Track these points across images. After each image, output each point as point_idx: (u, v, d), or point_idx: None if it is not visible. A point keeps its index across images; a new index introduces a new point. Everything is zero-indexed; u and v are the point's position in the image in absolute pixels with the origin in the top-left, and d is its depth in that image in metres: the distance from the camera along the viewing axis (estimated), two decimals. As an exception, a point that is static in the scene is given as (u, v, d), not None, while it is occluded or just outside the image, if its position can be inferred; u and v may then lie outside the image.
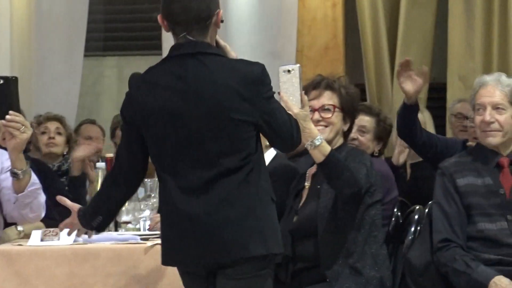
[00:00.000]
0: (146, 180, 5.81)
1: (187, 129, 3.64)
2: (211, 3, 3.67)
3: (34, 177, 4.97)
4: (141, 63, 8.52)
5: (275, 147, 4.07)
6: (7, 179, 5.07)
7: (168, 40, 8.47)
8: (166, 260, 3.82)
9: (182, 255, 3.80)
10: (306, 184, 4.88)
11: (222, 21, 3.74)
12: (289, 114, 3.77)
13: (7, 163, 5.13)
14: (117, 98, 8.73)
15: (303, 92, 4.27)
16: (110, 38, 9.23)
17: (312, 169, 4.87)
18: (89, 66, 8.86)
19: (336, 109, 4.74)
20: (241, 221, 3.64)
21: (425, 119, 6.94)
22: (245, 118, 3.61)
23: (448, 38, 8.21)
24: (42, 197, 5.06)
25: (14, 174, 4.85)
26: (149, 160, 3.79)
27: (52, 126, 6.99)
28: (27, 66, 8.64)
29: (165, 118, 3.67)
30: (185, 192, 3.69)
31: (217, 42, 3.90)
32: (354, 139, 5.78)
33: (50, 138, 6.95)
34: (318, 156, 4.53)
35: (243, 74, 3.62)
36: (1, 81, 4.82)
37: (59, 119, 7.15)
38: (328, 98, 4.78)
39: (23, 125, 4.74)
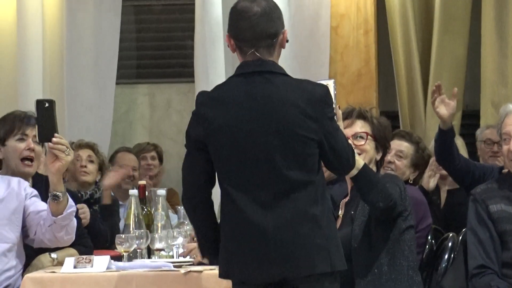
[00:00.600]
0: (179, 207, 5.91)
1: (256, 145, 3.73)
2: (278, 21, 3.78)
3: (70, 200, 5.01)
4: (173, 91, 9.03)
5: (330, 169, 4.06)
6: (33, 204, 5.22)
7: (200, 67, 8.36)
8: (227, 272, 3.85)
9: (247, 268, 3.84)
10: (340, 213, 4.92)
11: (287, 41, 3.86)
12: (346, 138, 3.90)
13: (29, 190, 5.30)
14: (150, 125, 8.91)
15: (338, 106, 4.37)
16: (142, 66, 9.31)
17: (345, 199, 4.93)
18: (122, 94, 8.91)
19: (369, 137, 4.80)
20: (310, 238, 3.71)
21: (458, 146, 6.78)
22: (310, 135, 3.71)
23: (481, 65, 8.22)
24: (75, 221, 5.13)
25: (55, 197, 4.88)
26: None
27: (84, 154, 7.00)
28: (60, 94, 8.61)
29: (234, 134, 3.76)
30: (254, 206, 3.76)
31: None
32: (390, 162, 5.96)
33: (81, 166, 6.96)
34: (352, 170, 4.61)
35: (309, 93, 3.73)
36: (46, 104, 4.90)
37: (91, 146, 7.17)
38: (360, 127, 4.86)
39: (67, 147, 4.82)
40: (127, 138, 8.74)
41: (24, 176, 5.48)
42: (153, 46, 9.31)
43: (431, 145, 6.86)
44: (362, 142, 4.85)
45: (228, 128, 3.78)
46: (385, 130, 5.14)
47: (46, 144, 5.05)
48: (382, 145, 5.00)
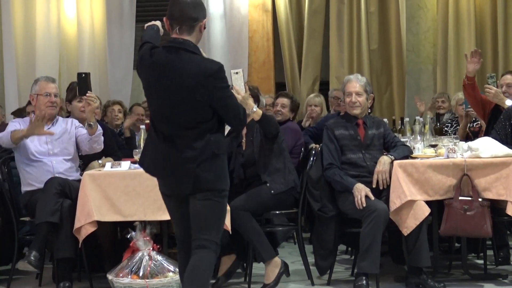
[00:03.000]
0: None
1: (162, 99, 4.17)
2: (200, 12, 4.16)
3: (99, 127, 6.36)
4: None
5: (227, 124, 4.32)
6: (79, 130, 6.52)
7: None
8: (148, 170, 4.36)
9: (159, 181, 4.43)
10: (243, 139, 6.30)
11: (204, 28, 4.16)
12: (239, 104, 4.25)
13: (77, 123, 6.57)
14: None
15: (246, 85, 5.35)
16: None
17: (244, 131, 6.23)
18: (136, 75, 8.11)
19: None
20: (185, 163, 4.18)
21: (320, 101, 8.96)
22: (200, 98, 4.10)
23: (330, 56, 10.54)
24: (102, 138, 6.45)
25: (89, 125, 6.29)
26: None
27: (116, 107, 8.61)
28: (102, 66, 10.62)
29: (149, 87, 4.26)
30: (160, 137, 4.24)
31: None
32: (278, 111, 7.55)
33: (115, 115, 8.54)
34: (256, 117, 5.84)
35: (204, 68, 4.08)
36: (83, 75, 6.21)
37: (119, 102, 8.79)
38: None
39: (95, 98, 6.21)
40: (142, 96, 9.54)
41: (82, 120, 6.71)
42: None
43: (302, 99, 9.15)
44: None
45: (146, 81, 4.27)
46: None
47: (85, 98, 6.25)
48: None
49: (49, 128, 6.42)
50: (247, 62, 10.50)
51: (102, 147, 6.43)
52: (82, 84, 6.09)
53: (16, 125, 6.37)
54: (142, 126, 6.42)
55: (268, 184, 6.04)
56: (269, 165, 6.12)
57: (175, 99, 4.10)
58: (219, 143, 4.18)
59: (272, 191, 6.06)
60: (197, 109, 4.10)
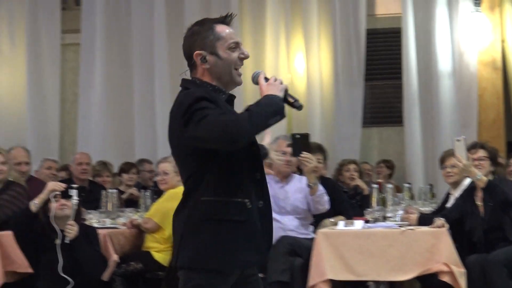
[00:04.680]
0: (406, 185, 7.31)
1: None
2: (192, 43, 3.45)
3: (320, 187, 6.48)
4: (385, 134, 10.90)
5: (217, 147, 3.30)
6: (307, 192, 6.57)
7: (408, 112, 10.19)
8: None
9: None
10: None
11: (206, 61, 3.40)
12: (225, 118, 3.22)
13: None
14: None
15: (468, 153, 5.80)
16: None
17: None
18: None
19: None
20: (176, 233, 3.43)
21: None
22: (183, 144, 3.34)
23: None
24: (326, 197, 6.54)
25: (309, 186, 6.47)
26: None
27: (351, 166, 8.52)
28: (330, 122, 10.76)
29: None
30: None
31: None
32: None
33: (350, 174, 8.44)
34: (480, 184, 6.11)
35: (177, 104, 3.36)
36: (298, 136, 6.33)
37: (353, 161, 8.69)
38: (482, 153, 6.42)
39: (311, 159, 6.34)
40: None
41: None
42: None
43: None
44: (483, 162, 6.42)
45: None
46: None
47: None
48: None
49: (282, 187, 6.58)
50: (476, 121, 10.34)
51: (326, 207, 6.55)
52: (296, 145, 6.21)
53: None
54: (375, 186, 6.54)
55: None
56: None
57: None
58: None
59: None
60: (178, 159, 3.49)
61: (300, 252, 6.32)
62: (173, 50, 10.54)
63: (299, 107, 3.36)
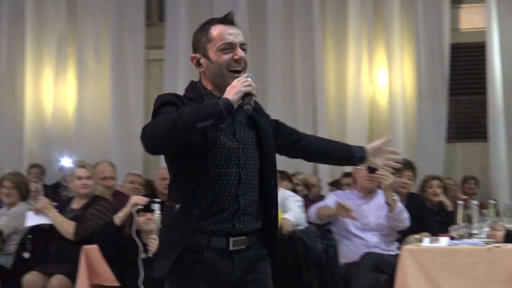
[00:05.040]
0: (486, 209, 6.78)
1: None
2: (193, 48, 3.41)
3: (399, 205, 6.41)
4: (469, 149, 10.83)
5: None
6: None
7: (493, 127, 10.08)
8: None
9: None
10: None
11: (200, 64, 3.33)
12: (148, 124, 3.13)
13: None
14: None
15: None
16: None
17: None
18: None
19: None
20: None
21: None
22: None
23: None
24: (405, 214, 6.50)
25: (387, 203, 6.43)
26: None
27: (435, 182, 8.32)
28: (413, 137, 10.71)
29: None
30: None
31: None
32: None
33: (433, 191, 8.25)
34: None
35: None
36: None
37: (437, 177, 8.48)
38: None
39: (388, 176, 6.34)
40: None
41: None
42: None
43: None
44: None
45: None
46: None
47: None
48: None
49: (366, 203, 6.56)
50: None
51: (406, 225, 6.51)
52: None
53: (332, 198, 6.52)
54: (460, 202, 6.39)
55: None
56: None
57: None
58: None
59: None
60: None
61: (384, 268, 6.27)
62: (255, 65, 10.62)
63: (245, 110, 3.12)
